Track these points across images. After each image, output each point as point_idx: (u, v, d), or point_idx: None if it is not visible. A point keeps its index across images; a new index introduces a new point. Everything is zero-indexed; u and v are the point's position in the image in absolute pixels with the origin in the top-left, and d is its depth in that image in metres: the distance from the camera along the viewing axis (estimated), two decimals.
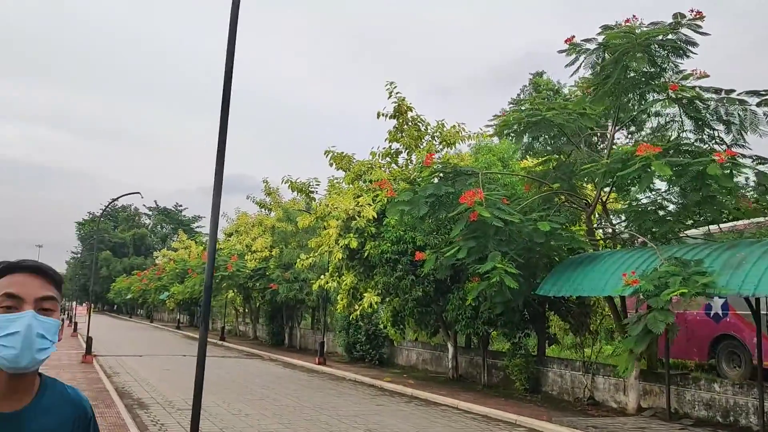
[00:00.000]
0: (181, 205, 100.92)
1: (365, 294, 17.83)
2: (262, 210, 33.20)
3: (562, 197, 14.00)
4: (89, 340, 20.19)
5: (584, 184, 14.02)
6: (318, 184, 19.55)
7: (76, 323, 36.55)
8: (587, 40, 12.37)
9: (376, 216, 17.20)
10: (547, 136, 13.29)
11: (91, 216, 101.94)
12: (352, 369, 20.96)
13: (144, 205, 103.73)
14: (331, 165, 18.94)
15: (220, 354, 26.44)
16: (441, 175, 13.17)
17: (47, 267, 1.79)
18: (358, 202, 17.38)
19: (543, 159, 13.98)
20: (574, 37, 12.47)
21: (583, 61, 12.51)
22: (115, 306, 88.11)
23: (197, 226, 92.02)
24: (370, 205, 17.34)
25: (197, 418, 4.73)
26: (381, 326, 22.18)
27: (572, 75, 12.86)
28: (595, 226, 14.24)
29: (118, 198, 22.25)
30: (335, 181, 19.43)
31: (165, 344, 31.72)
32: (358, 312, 18.69)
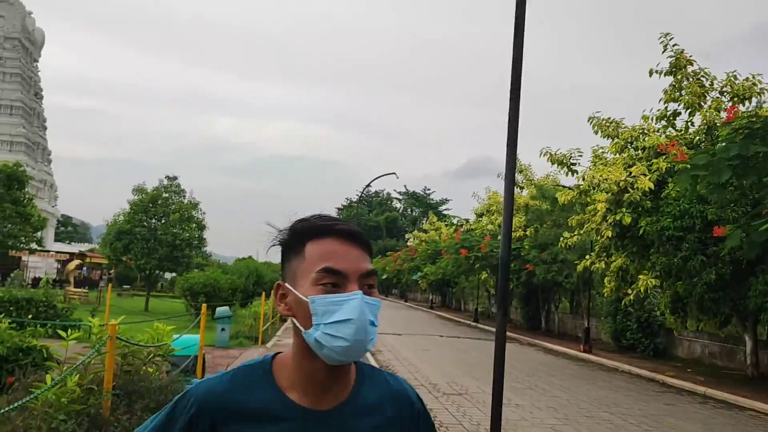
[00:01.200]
0: (429, 189, 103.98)
1: (640, 276, 15.75)
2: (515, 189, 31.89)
3: None
4: None
5: None
6: (580, 155, 17.76)
7: None
8: None
9: (653, 187, 15.03)
10: None
11: (348, 201, 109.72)
12: (622, 359, 18.93)
13: (395, 190, 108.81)
14: (595, 133, 17.04)
15: (477, 336, 25.94)
16: (747, 132, 10.76)
17: (363, 232, 1.36)
18: (631, 172, 15.33)
19: None
20: None
21: None
22: None
23: (444, 209, 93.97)
24: (645, 176, 15.20)
25: (499, 409, 3.82)
26: (657, 313, 19.77)
27: None
28: None
29: (376, 178, 22.76)
30: (600, 150, 17.47)
31: (420, 323, 32.22)
32: (631, 296, 16.65)
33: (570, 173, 17.66)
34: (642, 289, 15.46)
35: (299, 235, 1.34)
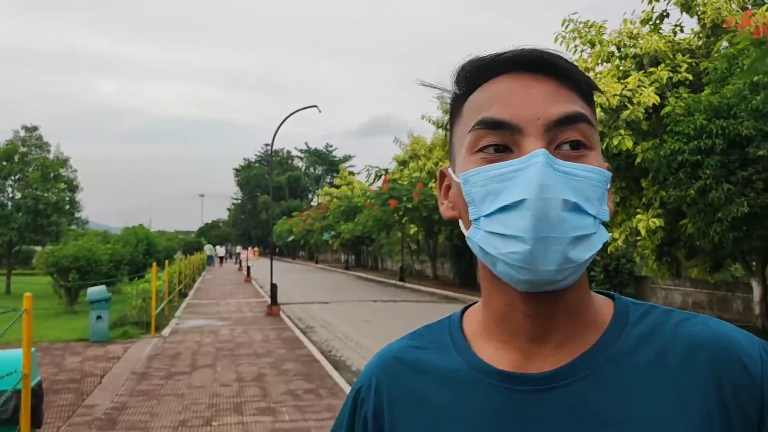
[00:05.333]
0: (331, 146, 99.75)
1: (638, 216, 12.70)
2: (439, 130, 28.53)
3: None
4: (274, 288, 16.81)
5: None
6: None
7: (249, 267, 34.54)
8: None
9: (658, 102, 11.89)
10: None
11: (247, 162, 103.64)
12: None
13: (295, 148, 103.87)
14: (572, 40, 13.67)
15: (415, 298, 22.58)
16: None
17: (555, 54, 0.76)
18: (626, 85, 12.11)
19: None
20: None
21: None
22: (277, 249, 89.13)
23: (349, 166, 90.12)
24: (645, 87, 12.04)
25: None
26: (636, 259, 17.08)
27: None
28: None
29: (295, 112, 18.43)
30: (575, 61, 14.17)
31: (342, 288, 28.54)
32: (620, 242, 13.66)
33: None
34: (643, 231, 12.42)
35: (457, 85, 0.81)
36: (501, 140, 0.73)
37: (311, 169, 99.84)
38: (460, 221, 0.80)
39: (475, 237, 0.74)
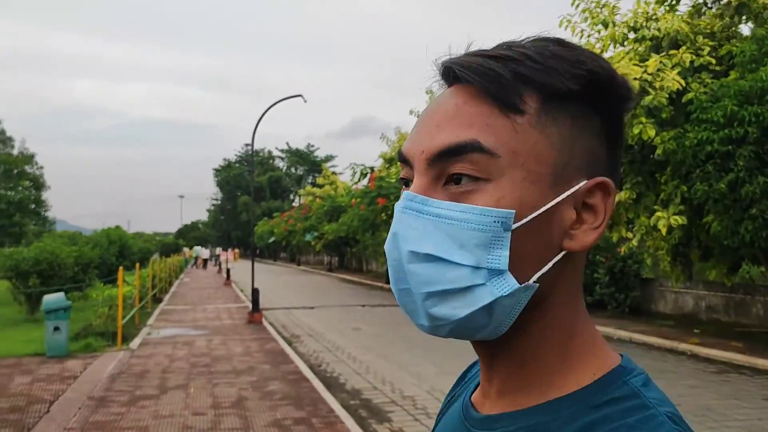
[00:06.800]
0: (313, 146, 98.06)
1: (657, 214, 11.53)
2: None
3: None
4: (255, 293, 15.45)
5: None
6: None
7: (228, 270, 33.05)
8: None
9: (682, 86, 10.77)
10: None
11: (227, 162, 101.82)
12: (599, 321, 14.99)
13: (276, 148, 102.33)
14: (582, 21, 12.52)
15: None
16: None
17: (466, 57, 0.64)
18: (646, 68, 10.96)
19: None
20: None
21: None
22: (258, 250, 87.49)
23: (331, 166, 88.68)
24: (667, 71, 10.90)
25: None
26: (632, 261, 16.03)
27: None
28: None
29: (281, 101, 17.06)
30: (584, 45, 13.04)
31: (326, 291, 27.25)
32: (634, 242, 12.53)
33: None
34: (664, 230, 11.26)
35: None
36: (406, 175, 0.67)
37: (293, 170, 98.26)
38: None
39: None
